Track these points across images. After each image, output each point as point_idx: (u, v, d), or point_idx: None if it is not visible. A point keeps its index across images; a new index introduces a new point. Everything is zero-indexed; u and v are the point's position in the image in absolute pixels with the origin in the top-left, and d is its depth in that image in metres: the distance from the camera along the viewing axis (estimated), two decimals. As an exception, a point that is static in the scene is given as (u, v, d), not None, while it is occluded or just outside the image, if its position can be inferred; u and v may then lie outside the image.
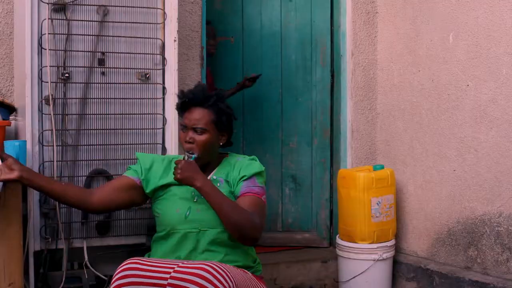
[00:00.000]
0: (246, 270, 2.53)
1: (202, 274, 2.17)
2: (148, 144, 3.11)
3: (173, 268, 2.23)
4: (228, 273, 2.20)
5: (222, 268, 2.21)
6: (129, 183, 2.67)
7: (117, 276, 2.26)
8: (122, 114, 3.08)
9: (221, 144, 2.67)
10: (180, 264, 2.24)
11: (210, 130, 2.59)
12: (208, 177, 2.63)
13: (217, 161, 2.69)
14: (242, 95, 4.36)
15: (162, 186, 2.65)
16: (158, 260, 2.34)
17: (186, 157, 2.57)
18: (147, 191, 2.67)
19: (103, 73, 3.06)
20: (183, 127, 2.61)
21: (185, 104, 2.61)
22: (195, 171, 2.48)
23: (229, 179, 2.61)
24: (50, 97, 2.94)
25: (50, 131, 2.94)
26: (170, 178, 2.61)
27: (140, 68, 3.12)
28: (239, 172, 2.60)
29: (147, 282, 2.23)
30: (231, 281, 2.19)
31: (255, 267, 2.65)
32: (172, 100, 3.16)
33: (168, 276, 2.21)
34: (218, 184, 2.60)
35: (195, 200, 2.58)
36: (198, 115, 2.58)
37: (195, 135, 2.57)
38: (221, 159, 2.71)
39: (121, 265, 2.29)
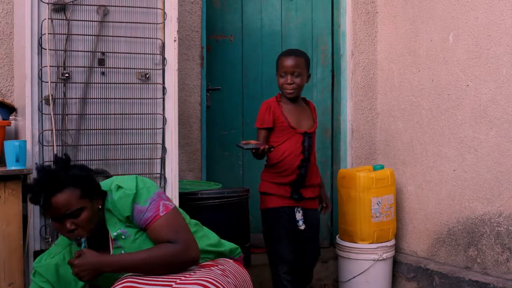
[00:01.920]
0: (227, 260, 2.48)
1: None
2: (148, 144, 3.11)
3: (169, 287, 2.16)
4: (220, 285, 2.17)
5: (218, 284, 2.17)
6: None
7: None
8: (122, 114, 3.08)
9: (100, 207, 2.30)
10: (178, 281, 2.17)
11: (84, 204, 2.24)
12: (111, 236, 2.32)
13: (103, 216, 2.34)
14: (242, 95, 4.36)
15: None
16: (153, 279, 2.22)
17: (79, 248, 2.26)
18: None
19: (103, 73, 3.06)
20: (55, 220, 2.24)
21: (42, 201, 2.21)
22: (94, 261, 2.20)
23: (126, 222, 2.31)
24: (50, 97, 2.94)
25: (50, 131, 2.94)
26: None
27: (140, 68, 3.12)
28: (121, 215, 2.28)
29: None
30: None
31: (233, 252, 2.56)
32: (172, 100, 3.15)
33: None
34: (123, 237, 2.30)
35: None
36: (64, 201, 2.21)
37: (74, 220, 2.23)
38: (104, 210, 2.35)
39: (115, 286, 2.20)
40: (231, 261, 2.48)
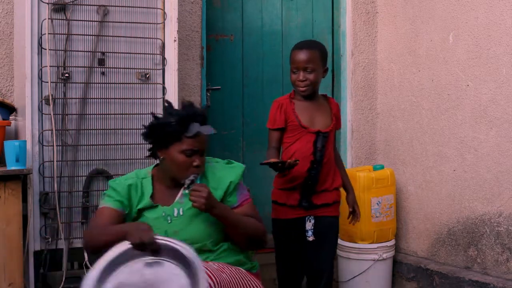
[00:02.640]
0: (240, 268, 2.50)
1: None
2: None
3: None
4: (210, 273, 2.20)
5: (209, 272, 2.20)
6: (120, 216, 2.44)
7: None
8: (122, 114, 3.08)
9: None
10: None
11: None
12: (184, 190, 2.47)
13: None
14: (242, 95, 4.36)
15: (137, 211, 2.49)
16: None
17: (188, 182, 2.38)
18: (127, 220, 2.49)
19: (103, 73, 3.07)
20: (188, 153, 2.39)
21: (198, 131, 2.41)
22: (213, 197, 2.39)
23: (217, 187, 2.48)
24: (50, 97, 2.94)
25: (50, 131, 2.95)
26: (143, 203, 2.46)
27: (140, 68, 3.12)
28: (226, 178, 2.49)
29: None
30: (212, 281, 2.18)
31: (252, 264, 2.61)
32: (172, 100, 3.14)
33: None
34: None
35: (169, 222, 2.44)
36: (206, 137, 2.44)
37: (200, 157, 2.43)
38: None
39: None
40: (241, 268, 2.49)
